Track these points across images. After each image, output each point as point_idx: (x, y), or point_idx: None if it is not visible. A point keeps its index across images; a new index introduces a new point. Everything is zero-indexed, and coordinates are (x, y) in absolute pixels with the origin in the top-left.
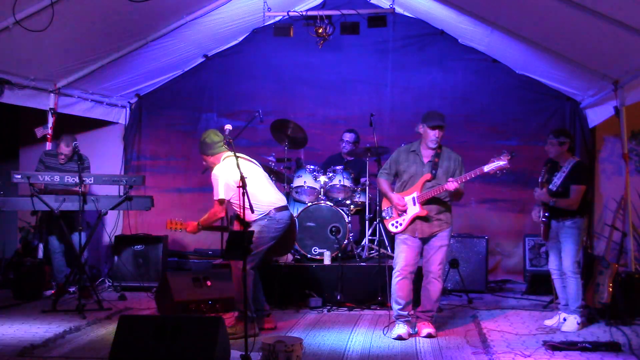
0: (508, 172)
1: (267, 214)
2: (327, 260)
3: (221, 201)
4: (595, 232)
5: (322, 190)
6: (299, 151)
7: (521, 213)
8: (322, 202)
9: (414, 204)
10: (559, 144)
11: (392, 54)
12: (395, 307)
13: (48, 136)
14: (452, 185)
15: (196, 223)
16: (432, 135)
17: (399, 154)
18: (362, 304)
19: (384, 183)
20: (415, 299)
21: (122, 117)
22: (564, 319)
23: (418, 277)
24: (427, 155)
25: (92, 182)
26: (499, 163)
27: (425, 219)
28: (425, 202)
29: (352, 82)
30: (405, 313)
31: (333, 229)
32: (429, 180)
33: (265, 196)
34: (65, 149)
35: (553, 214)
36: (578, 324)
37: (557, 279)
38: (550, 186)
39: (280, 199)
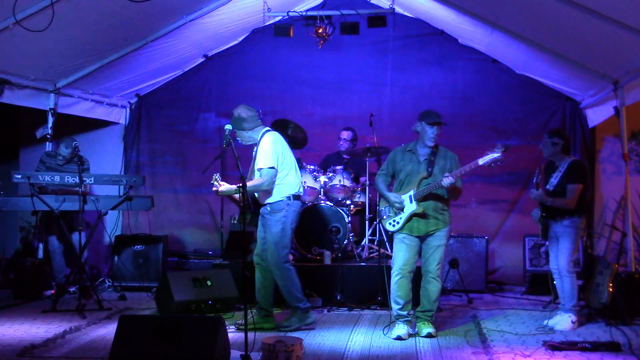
0: (509, 173)
1: (287, 199)
2: (327, 260)
3: (273, 171)
4: (595, 232)
5: (322, 190)
6: (298, 151)
7: (521, 213)
8: (322, 202)
9: (411, 202)
10: (552, 144)
11: (392, 53)
12: (394, 307)
13: (48, 136)
14: (447, 180)
15: (235, 186)
16: (431, 132)
17: (395, 154)
18: (362, 304)
19: (381, 184)
20: (415, 299)
21: (122, 117)
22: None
23: (417, 276)
24: (423, 154)
25: (92, 182)
26: (493, 155)
27: (422, 216)
28: (422, 200)
29: (352, 82)
30: (405, 313)
31: (333, 229)
32: (425, 178)
33: (297, 180)
34: (64, 150)
35: (550, 213)
36: (572, 322)
37: (559, 278)
38: (547, 186)
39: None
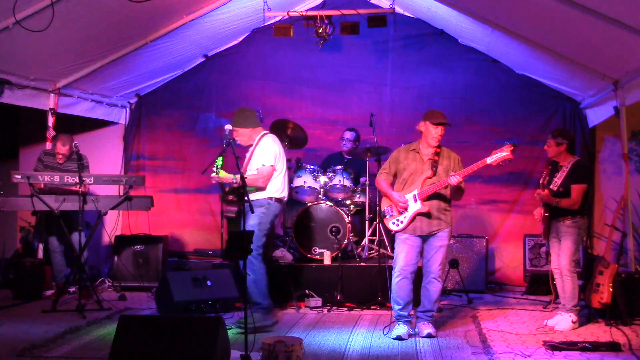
0: (509, 173)
1: (269, 199)
2: (327, 260)
3: (271, 168)
4: (595, 232)
5: (322, 190)
6: (299, 151)
7: (521, 213)
8: (322, 202)
9: (415, 201)
10: (556, 144)
11: (392, 53)
12: (395, 307)
13: (48, 136)
14: (454, 179)
15: (236, 176)
16: (435, 132)
17: (399, 153)
18: (362, 304)
19: (383, 182)
20: (416, 299)
21: (122, 117)
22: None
23: (418, 277)
24: (427, 153)
25: (92, 182)
26: (502, 154)
27: (426, 215)
28: (427, 199)
29: (352, 82)
30: (405, 313)
31: (333, 229)
32: (429, 178)
33: (283, 184)
34: (62, 148)
35: (553, 213)
36: (573, 322)
37: (560, 278)
38: (551, 186)
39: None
